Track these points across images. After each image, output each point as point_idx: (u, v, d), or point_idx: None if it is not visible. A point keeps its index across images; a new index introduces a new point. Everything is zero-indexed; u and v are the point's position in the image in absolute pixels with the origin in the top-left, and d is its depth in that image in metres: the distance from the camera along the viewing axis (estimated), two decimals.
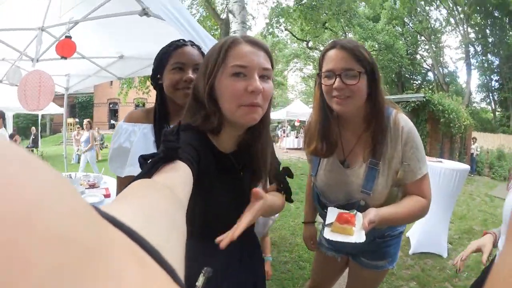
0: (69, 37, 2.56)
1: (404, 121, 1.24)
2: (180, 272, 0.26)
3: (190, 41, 1.36)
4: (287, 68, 30.96)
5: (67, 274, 0.13)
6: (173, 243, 0.31)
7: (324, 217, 1.42)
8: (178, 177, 0.59)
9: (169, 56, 1.28)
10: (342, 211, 1.21)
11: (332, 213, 1.21)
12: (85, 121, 8.75)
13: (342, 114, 1.26)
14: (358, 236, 1.07)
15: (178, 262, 0.28)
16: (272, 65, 0.91)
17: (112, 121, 25.43)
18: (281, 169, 1.15)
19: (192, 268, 0.50)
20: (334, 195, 1.37)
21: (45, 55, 3.05)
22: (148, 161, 0.63)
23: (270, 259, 2.26)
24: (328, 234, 1.12)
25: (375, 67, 1.19)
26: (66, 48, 2.60)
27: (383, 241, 1.42)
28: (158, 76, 1.33)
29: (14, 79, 2.77)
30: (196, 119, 0.90)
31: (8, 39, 2.99)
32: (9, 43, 2.96)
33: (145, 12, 2.19)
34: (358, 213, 1.18)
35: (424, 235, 3.57)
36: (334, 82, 1.17)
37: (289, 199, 1.15)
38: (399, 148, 1.22)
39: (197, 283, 0.64)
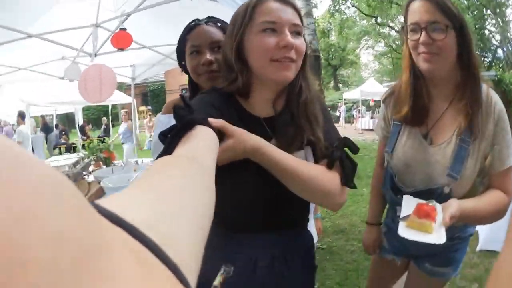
0: (124, 29, 2.59)
1: (496, 97, 1.08)
2: (187, 267, 0.24)
3: (208, 17, 1.21)
4: (358, 46, 30.23)
5: (63, 275, 0.13)
6: (184, 231, 0.29)
7: (394, 203, 1.24)
8: (199, 144, 0.56)
9: (186, 40, 1.19)
10: (421, 201, 1.01)
11: (408, 204, 1.02)
12: (123, 111, 7.84)
13: (430, 73, 1.09)
14: (437, 235, 0.90)
15: (187, 255, 0.26)
16: (301, 22, 0.85)
17: None
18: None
19: (211, 260, 0.47)
20: (411, 178, 1.17)
21: (104, 49, 3.15)
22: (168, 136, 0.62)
23: (319, 216, 2.24)
24: (403, 231, 0.94)
25: (464, 23, 1.03)
26: (121, 40, 2.64)
27: (452, 244, 1.18)
28: (183, 63, 1.25)
29: (72, 75, 2.92)
30: (223, 82, 0.87)
31: (65, 39, 3.14)
32: (67, 42, 3.10)
33: None
34: (437, 204, 0.99)
35: (493, 230, 2.97)
36: (420, 37, 1.03)
37: (347, 182, 0.84)
38: (490, 127, 1.06)
39: (214, 283, 0.61)
